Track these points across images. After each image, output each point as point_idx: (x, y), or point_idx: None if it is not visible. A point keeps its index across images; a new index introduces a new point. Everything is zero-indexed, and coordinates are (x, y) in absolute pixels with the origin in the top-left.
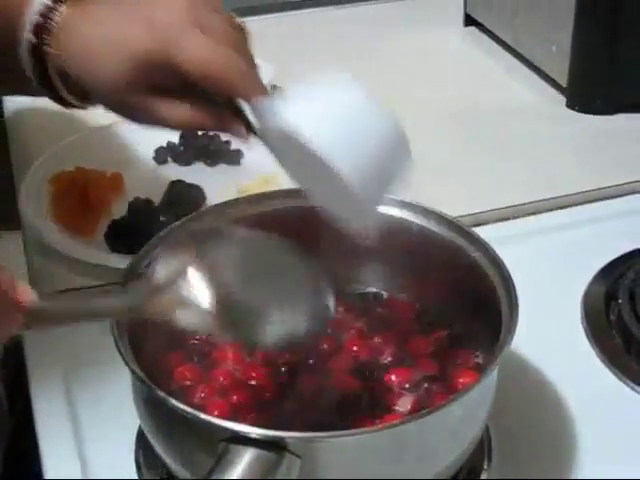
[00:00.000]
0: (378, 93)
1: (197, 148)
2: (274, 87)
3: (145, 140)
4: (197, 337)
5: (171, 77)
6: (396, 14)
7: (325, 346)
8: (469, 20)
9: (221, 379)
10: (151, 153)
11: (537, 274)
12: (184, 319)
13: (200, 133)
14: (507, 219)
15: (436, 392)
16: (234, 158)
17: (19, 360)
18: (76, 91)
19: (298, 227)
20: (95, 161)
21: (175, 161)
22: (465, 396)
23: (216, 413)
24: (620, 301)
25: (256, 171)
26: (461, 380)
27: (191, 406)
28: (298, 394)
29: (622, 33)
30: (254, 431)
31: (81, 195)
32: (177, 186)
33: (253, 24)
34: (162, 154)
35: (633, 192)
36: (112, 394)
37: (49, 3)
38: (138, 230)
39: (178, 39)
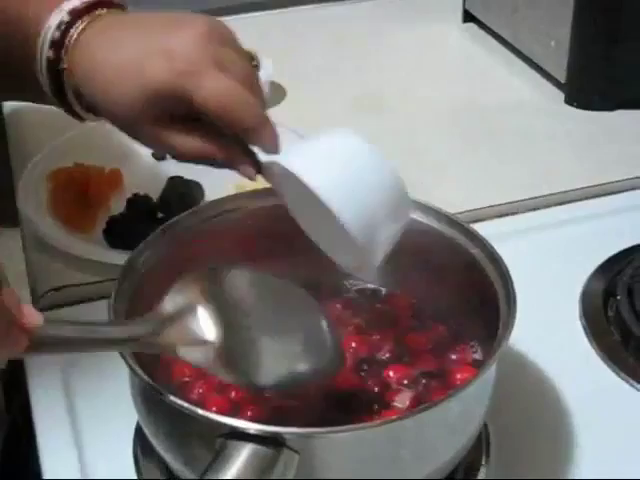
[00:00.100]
0: (377, 90)
1: None
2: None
3: None
4: None
5: (185, 110)
6: (395, 11)
7: None
8: (468, 16)
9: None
10: (150, 149)
11: (536, 270)
12: (189, 355)
13: None
14: (505, 215)
15: (435, 388)
16: None
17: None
18: (91, 109)
19: (296, 223)
20: (94, 157)
21: (173, 157)
22: (463, 392)
23: (214, 409)
24: (618, 297)
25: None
26: (459, 376)
27: (189, 402)
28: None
29: (621, 29)
30: (252, 427)
31: (80, 191)
32: (175, 182)
33: (253, 20)
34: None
35: (631, 188)
36: (110, 390)
37: (67, 19)
38: (136, 226)
39: (197, 76)
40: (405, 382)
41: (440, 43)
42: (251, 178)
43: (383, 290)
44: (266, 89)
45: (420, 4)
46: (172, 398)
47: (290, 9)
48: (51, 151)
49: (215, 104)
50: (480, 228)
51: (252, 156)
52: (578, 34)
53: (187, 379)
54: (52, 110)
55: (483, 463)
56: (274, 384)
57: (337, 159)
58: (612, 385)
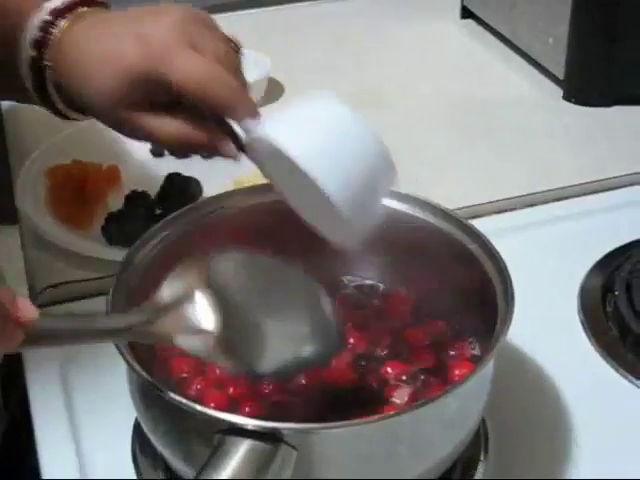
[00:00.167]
0: (375, 86)
1: None
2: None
3: None
4: None
5: (164, 94)
6: (393, 7)
7: None
8: (466, 13)
9: (218, 371)
10: (148, 146)
11: (534, 266)
12: (187, 344)
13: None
14: (504, 211)
15: (433, 384)
16: None
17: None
18: (72, 105)
19: (294, 219)
20: (92, 154)
21: (171, 154)
22: (460, 387)
23: (212, 405)
24: (616, 293)
25: (252, 163)
26: (457, 372)
27: (188, 398)
28: (295, 387)
29: (618, 26)
30: (250, 422)
31: (78, 188)
32: (173, 179)
33: (250, 17)
34: (158, 147)
35: (629, 184)
36: (109, 386)
37: (49, 18)
38: (134, 223)
39: (172, 58)
40: (403, 378)
41: (438, 39)
42: (233, 157)
43: (381, 286)
44: (264, 86)
45: (418, 0)
46: (170, 394)
47: (288, 6)
48: (49, 148)
49: (191, 83)
50: (478, 224)
51: (234, 137)
52: (576, 31)
53: (185, 375)
54: None
55: (481, 459)
56: (276, 370)
57: (319, 128)
58: (610, 380)
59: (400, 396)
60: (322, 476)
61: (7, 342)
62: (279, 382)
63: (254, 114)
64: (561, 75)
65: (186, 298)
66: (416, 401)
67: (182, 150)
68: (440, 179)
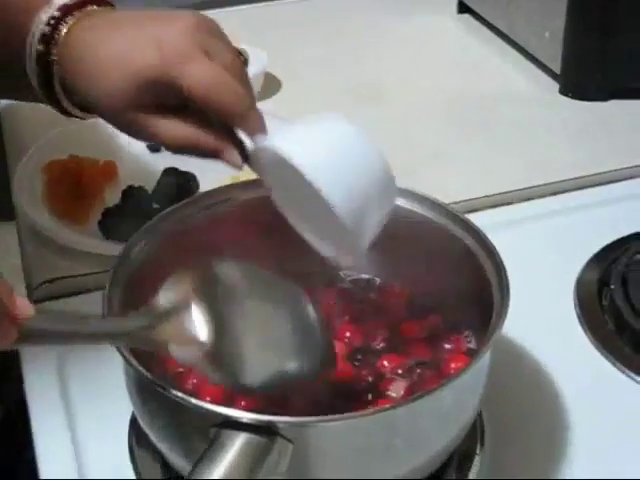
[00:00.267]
0: (372, 81)
1: None
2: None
3: None
4: None
5: (173, 97)
6: (390, 2)
7: None
8: (463, 7)
9: None
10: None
11: (530, 260)
12: (179, 353)
13: None
14: (500, 205)
15: (429, 377)
16: None
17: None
18: (78, 103)
19: None
20: (88, 149)
21: (162, 146)
22: (456, 381)
23: (208, 399)
24: (613, 287)
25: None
26: (453, 365)
27: (183, 392)
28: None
29: (615, 20)
30: (246, 416)
31: (74, 183)
32: (170, 174)
33: (247, 12)
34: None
35: (626, 178)
36: (106, 380)
37: (58, 14)
38: (131, 218)
39: (184, 63)
40: (399, 371)
41: (435, 34)
42: (237, 166)
43: (377, 280)
44: (260, 81)
45: None
46: (166, 388)
47: (285, 0)
48: (46, 144)
49: (202, 90)
50: (475, 218)
51: (239, 145)
52: (572, 25)
53: (181, 370)
54: None
55: (478, 452)
56: (261, 384)
57: (324, 142)
58: (606, 374)
59: (396, 389)
60: (318, 469)
61: (1, 339)
62: (266, 397)
63: (261, 126)
64: (557, 69)
65: (183, 307)
66: (412, 394)
67: (186, 154)
68: (437, 173)
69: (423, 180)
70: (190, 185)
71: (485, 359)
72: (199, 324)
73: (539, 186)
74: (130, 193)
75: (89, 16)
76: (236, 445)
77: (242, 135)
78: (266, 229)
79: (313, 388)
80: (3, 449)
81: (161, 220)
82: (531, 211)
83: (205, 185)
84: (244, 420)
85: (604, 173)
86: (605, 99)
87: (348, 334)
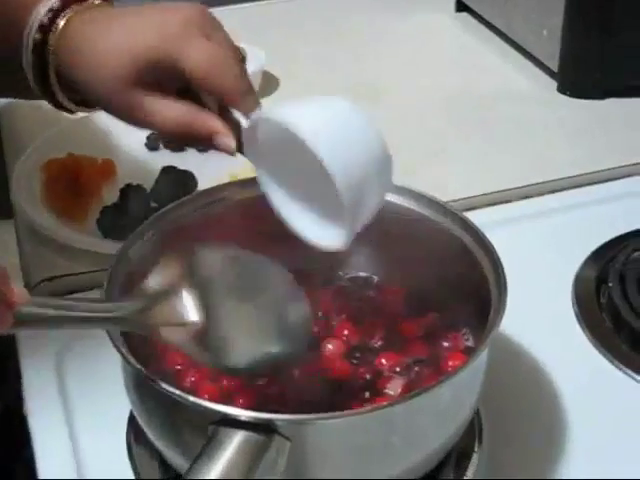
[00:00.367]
0: (370, 79)
1: None
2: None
3: None
4: None
5: (172, 79)
6: (388, 0)
7: (316, 329)
8: (461, 6)
9: None
10: (143, 139)
11: (528, 258)
12: (169, 335)
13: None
14: (498, 203)
15: (427, 375)
16: None
17: (5, 343)
18: (73, 93)
19: None
20: (87, 148)
21: (166, 147)
22: (454, 378)
23: (206, 397)
24: (610, 284)
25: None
26: (451, 363)
27: (182, 390)
28: (289, 378)
29: (613, 18)
30: (244, 413)
31: (73, 181)
32: (168, 172)
33: (245, 10)
34: (154, 140)
35: (624, 176)
36: (104, 377)
37: (56, 6)
38: (129, 216)
39: (186, 43)
40: (397, 369)
41: (433, 33)
42: (230, 151)
43: (375, 278)
44: (258, 79)
45: None
46: (164, 385)
47: None
48: (44, 142)
49: (202, 70)
50: (473, 216)
51: (234, 129)
52: (570, 22)
53: (179, 367)
54: (45, 102)
55: (475, 450)
56: (246, 365)
57: (324, 114)
58: (604, 371)
59: (394, 387)
60: (316, 467)
61: None
62: (252, 380)
63: (257, 107)
64: (555, 67)
65: (173, 291)
66: (410, 392)
67: (180, 139)
68: (435, 171)
69: (421, 178)
70: (188, 184)
71: (483, 357)
72: (189, 307)
73: (537, 184)
74: (128, 192)
75: (89, 9)
76: (234, 443)
77: (238, 115)
78: (264, 228)
79: (311, 386)
80: (1, 447)
81: (159, 219)
82: (529, 209)
83: (203, 184)
84: (242, 418)
85: (602, 171)
86: (603, 97)
87: (346, 332)
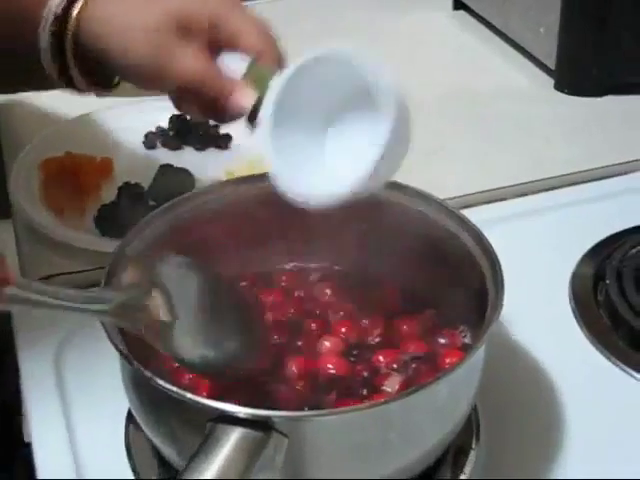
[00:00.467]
0: None
1: (186, 133)
2: None
3: (134, 125)
4: None
5: (200, 32)
6: None
7: (314, 327)
8: (458, 4)
9: None
10: (140, 138)
11: (526, 255)
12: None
13: (189, 117)
14: (496, 201)
15: (424, 372)
16: (223, 142)
17: (2, 338)
18: (89, 76)
19: (285, 209)
20: (85, 146)
21: (164, 146)
22: (451, 375)
23: (204, 394)
24: (608, 281)
25: (244, 155)
26: (448, 360)
27: (180, 387)
28: (287, 376)
29: (609, 15)
30: (241, 410)
31: (71, 180)
32: (166, 170)
33: None
34: (151, 139)
35: (621, 173)
36: (102, 374)
37: None
38: (127, 214)
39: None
40: (395, 366)
41: (431, 31)
42: (243, 109)
43: (373, 275)
44: None
45: None
46: (161, 382)
47: None
48: (42, 141)
49: (244, 33)
50: (470, 214)
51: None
52: (567, 20)
53: (178, 365)
54: (43, 101)
55: (473, 446)
56: (200, 360)
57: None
58: (601, 368)
59: (391, 384)
60: (313, 463)
61: None
62: (212, 376)
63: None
64: (553, 65)
65: (145, 291)
66: (407, 389)
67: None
68: (432, 169)
69: (418, 176)
70: (185, 182)
71: (479, 354)
72: (160, 307)
73: (534, 182)
74: (126, 190)
75: None
76: (231, 440)
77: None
78: (260, 225)
79: (309, 384)
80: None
81: (157, 217)
82: (526, 207)
83: (200, 182)
84: (240, 414)
85: (599, 168)
86: (600, 95)
87: (343, 330)
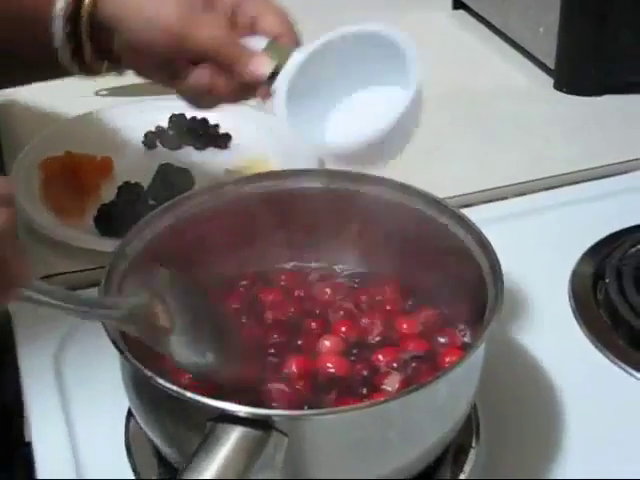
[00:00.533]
0: None
1: (186, 132)
2: None
3: (134, 125)
4: None
5: (222, 8)
6: None
7: (314, 326)
8: (457, 3)
9: None
10: (140, 137)
11: (525, 254)
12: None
13: (189, 117)
14: (495, 200)
15: (424, 371)
16: (222, 142)
17: (2, 338)
18: (104, 49)
19: (285, 209)
20: (85, 146)
21: (164, 145)
22: (450, 374)
23: (204, 393)
24: (607, 280)
25: (244, 154)
26: (448, 359)
27: (180, 386)
28: (287, 375)
29: (609, 15)
30: (241, 409)
31: (71, 179)
32: (166, 169)
33: None
34: (151, 138)
35: (620, 172)
36: (102, 373)
37: None
38: (127, 214)
39: None
40: (394, 365)
41: (430, 30)
42: (261, 76)
43: (373, 274)
44: None
45: None
46: (161, 381)
47: None
48: (42, 140)
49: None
50: (470, 213)
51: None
52: (566, 20)
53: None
54: (43, 101)
55: (473, 445)
56: (188, 365)
57: None
58: (601, 367)
59: (391, 383)
60: (313, 462)
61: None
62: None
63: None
64: (552, 64)
65: (151, 301)
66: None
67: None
68: (431, 168)
69: (418, 175)
70: (185, 181)
71: (479, 353)
72: (161, 313)
73: (533, 181)
74: (126, 189)
75: None
76: (232, 439)
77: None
78: (260, 224)
79: (308, 383)
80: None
81: (156, 216)
82: (526, 206)
83: (200, 181)
84: (240, 413)
85: (598, 168)
86: (599, 94)
87: (343, 329)
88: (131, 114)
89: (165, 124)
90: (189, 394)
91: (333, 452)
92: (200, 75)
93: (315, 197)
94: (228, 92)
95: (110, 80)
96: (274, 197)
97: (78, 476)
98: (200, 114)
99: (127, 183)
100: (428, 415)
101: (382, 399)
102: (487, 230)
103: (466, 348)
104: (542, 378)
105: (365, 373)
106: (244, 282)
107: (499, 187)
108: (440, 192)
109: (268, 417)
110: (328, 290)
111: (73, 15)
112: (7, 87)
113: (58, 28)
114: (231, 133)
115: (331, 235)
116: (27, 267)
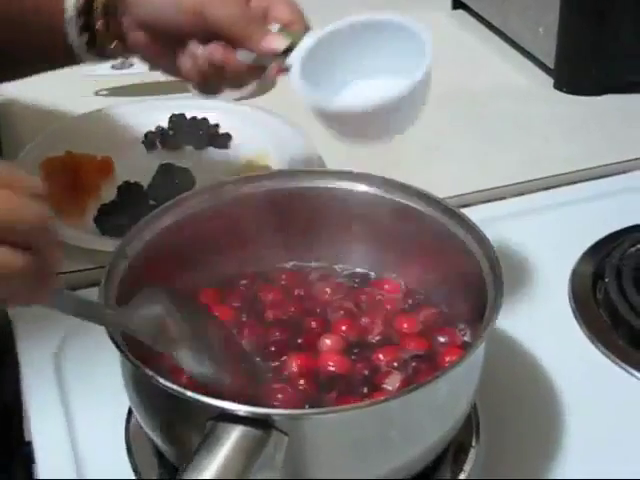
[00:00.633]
0: None
1: (186, 132)
2: None
3: (134, 125)
4: None
5: None
6: None
7: (314, 325)
8: (457, 3)
9: None
10: (140, 137)
11: (525, 254)
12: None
13: (189, 117)
14: (494, 200)
15: (424, 370)
16: (223, 142)
17: (2, 338)
18: (116, 30)
19: (285, 208)
20: (85, 146)
21: (164, 145)
22: (450, 373)
23: (204, 393)
24: (607, 280)
25: (244, 154)
26: (448, 358)
27: (180, 386)
28: (287, 374)
29: (608, 14)
30: (241, 409)
31: (71, 179)
32: (166, 170)
33: None
34: (151, 138)
35: (620, 172)
36: (103, 373)
37: None
38: (127, 214)
39: None
40: (395, 365)
41: (430, 30)
42: (276, 51)
43: (373, 274)
44: None
45: None
46: (161, 381)
47: None
48: (42, 140)
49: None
50: (469, 212)
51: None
52: (566, 19)
53: None
54: (43, 100)
55: (473, 444)
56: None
57: None
58: (600, 367)
59: (391, 382)
60: (313, 461)
61: (33, 298)
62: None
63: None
64: (551, 64)
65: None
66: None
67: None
68: (431, 168)
69: (417, 175)
70: (185, 181)
71: (479, 352)
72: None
73: (533, 180)
74: (126, 189)
75: None
76: (232, 438)
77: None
78: (261, 225)
79: (309, 382)
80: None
81: (157, 216)
82: (525, 205)
83: (201, 181)
84: (240, 413)
85: (598, 167)
86: (599, 93)
87: (344, 328)
88: (131, 114)
89: (165, 124)
90: (189, 393)
91: (333, 451)
92: (214, 49)
93: (315, 197)
94: (238, 70)
95: (110, 80)
96: (274, 197)
97: (78, 476)
98: (200, 114)
99: (127, 183)
100: (428, 414)
101: (383, 398)
102: (487, 230)
103: (466, 347)
104: (542, 377)
105: (366, 372)
106: (244, 281)
107: (499, 187)
108: (440, 192)
109: (268, 416)
110: (328, 289)
111: (85, 8)
112: (17, 78)
113: (71, 23)
114: (231, 133)
115: (331, 235)
116: (60, 257)
